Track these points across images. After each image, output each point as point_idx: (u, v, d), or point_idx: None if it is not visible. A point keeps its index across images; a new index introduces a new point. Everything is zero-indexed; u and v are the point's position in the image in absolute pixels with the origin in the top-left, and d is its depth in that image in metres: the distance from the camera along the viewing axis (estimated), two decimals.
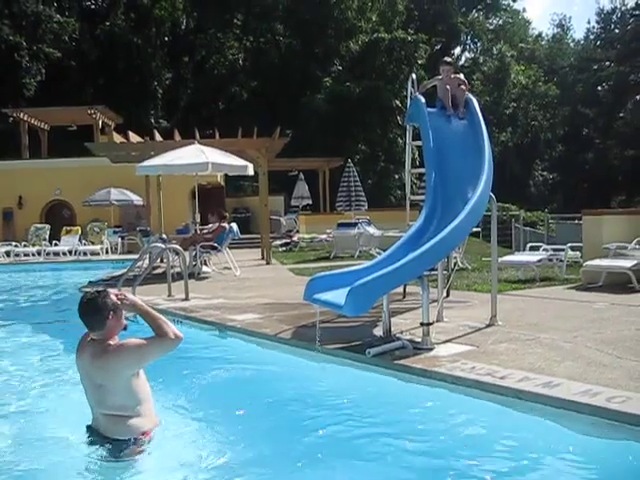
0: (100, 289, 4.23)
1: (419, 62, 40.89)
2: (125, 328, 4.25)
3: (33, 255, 22.01)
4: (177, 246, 11.82)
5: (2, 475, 4.13)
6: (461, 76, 8.47)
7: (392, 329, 6.79)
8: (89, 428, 4.23)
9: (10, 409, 5.52)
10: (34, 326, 9.60)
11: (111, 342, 4.12)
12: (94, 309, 4.08)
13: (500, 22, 61.56)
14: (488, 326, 7.27)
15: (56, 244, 22.92)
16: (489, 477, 3.94)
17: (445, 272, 8.05)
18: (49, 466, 4.22)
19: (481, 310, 8.10)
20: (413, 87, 8.59)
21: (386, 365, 5.83)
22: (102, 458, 4.07)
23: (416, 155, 14.87)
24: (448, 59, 9.19)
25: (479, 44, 59.39)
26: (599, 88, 56.18)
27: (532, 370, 5.26)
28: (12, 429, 4.98)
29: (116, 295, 4.20)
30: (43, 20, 37.70)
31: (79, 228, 24.38)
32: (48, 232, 24.08)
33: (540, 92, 52.50)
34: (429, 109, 8.14)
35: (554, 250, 12.54)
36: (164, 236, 15.95)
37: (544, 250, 12.69)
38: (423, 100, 8.17)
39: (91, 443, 4.18)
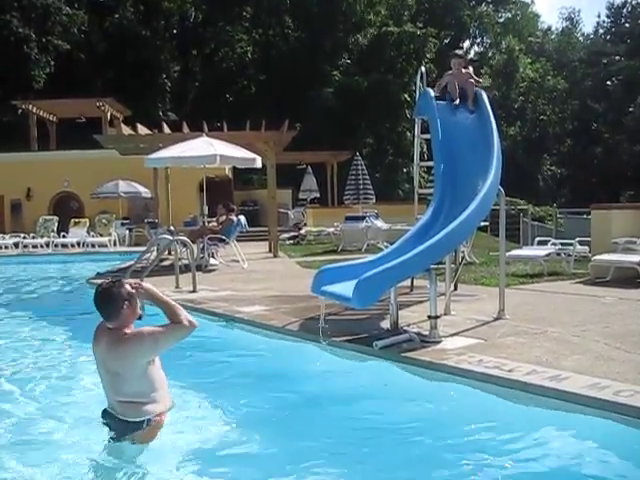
0: (115, 279, 4.27)
1: (428, 56, 40.70)
2: (140, 318, 4.30)
3: (41, 247, 22.11)
4: (185, 238, 11.84)
5: (16, 457, 4.20)
6: (471, 70, 8.43)
7: (399, 322, 6.80)
8: (104, 412, 4.27)
9: (20, 396, 5.58)
10: (42, 317, 9.65)
11: (127, 331, 4.15)
12: (109, 299, 4.13)
13: (509, 15, 61.23)
14: (496, 319, 7.27)
15: (64, 236, 23.01)
16: (496, 469, 3.95)
17: (453, 266, 8.04)
18: (64, 448, 4.29)
19: (489, 304, 8.10)
20: (422, 81, 8.57)
21: (393, 357, 5.84)
22: (117, 439, 4.14)
23: (424, 149, 14.83)
24: (459, 52, 9.16)
25: (487, 38, 59.07)
26: (609, 82, 55.76)
27: (540, 363, 5.26)
28: (25, 414, 5.05)
29: (131, 284, 4.24)
30: (52, 12, 37.73)
31: (87, 220, 24.47)
32: (56, 224, 24.17)
33: (549, 86, 52.20)
34: (438, 102, 8.12)
35: (562, 244, 12.51)
36: (172, 228, 15.98)
37: (552, 244, 12.66)
38: (432, 93, 8.15)
39: (106, 425, 4.24)
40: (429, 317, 6.27)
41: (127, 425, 4.11)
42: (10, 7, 36.30)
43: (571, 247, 12.06)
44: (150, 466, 4.01)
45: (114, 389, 4.18)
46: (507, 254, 10.13)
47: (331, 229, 22.61)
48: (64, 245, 22.30)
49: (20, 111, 31.41)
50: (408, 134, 37.69)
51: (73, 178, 27.81)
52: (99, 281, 4.75)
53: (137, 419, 4.11)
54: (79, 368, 6.23)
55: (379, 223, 19.89)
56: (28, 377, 6.23)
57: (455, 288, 8.77)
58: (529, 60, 53.66)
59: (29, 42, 36.36)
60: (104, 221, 24.56)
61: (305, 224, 26.83)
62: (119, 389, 4.15)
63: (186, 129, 19.96)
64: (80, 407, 5.05)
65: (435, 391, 5.24)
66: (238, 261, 14.76)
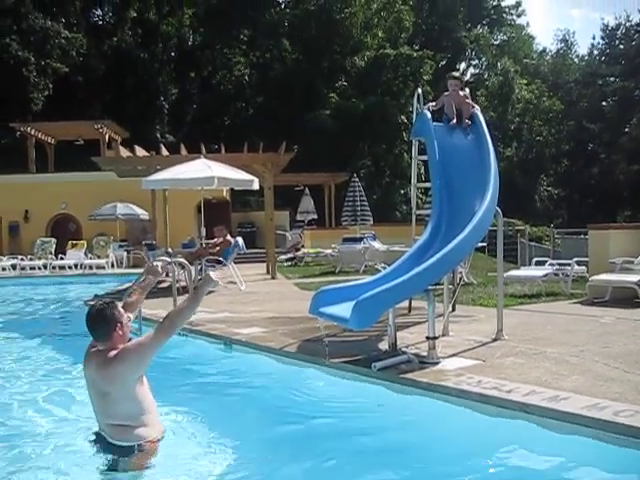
0: (108, 300, 4.26)
1: (425, 78, 40.99)
2: (130, 341, 4.27)
3: (39, 268, 22.03)
4: (183, 260, 11.81)
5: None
6: (467, 92, 8.48)
7: (398, 343, 6.77)
8: (96, 435, 4.24)
9: (16, 419, 5.54)
10: (40, 339, 9.61)
11: (114, 351, 4.14)
12: (102, 320, 4.12)
13: (505, 37, 61.77)
14: (494, 340, 7.24)
15: (62, 258, 22.94)
16: None
17: (451, 286, 8.03)
18: (55, 473, 4.23)
19: (487, 324, 8.08)
20: (419, 102, 8.61)
21: (392, 379, 5.81)
22: (108, 465, 4.09)
23: (422, 170, 14.91)
24: (456, 74, 9.23)
25: (484, 59, 59.54)
26: (604, 103, 56.20)
27: (539, 384, 5.24)
28: (18, 438, 5.00)
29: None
30: (51, 36, 37.95)
31: (85, 242, 24.41)
32: (54, 246, 24.08)
33: (545, 107, 52.57)
34: (435, 124, 8.16)
35: (560, 265, 12.50)
36: (170, 250, 15.94)
37: (550, 265, 12.66)
38: (429, 115, 8.19)
39: (97, 450, 4.20)
40: (427, 338, 6.25)
41: (118, 450, 4.07)
42: (9, 30, 36.57)
43: (569, 267, 12.06)
44: None
45: (104, 411, 4.15)
46: (505, 275, 10.13)
47: (329, 250, 22.57)
48: (62, 267, 22.21)
49: (18, 133, 31.49)
50: (405, 155, 37.89)
51: (71, 200, 27.81)
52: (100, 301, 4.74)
53: (127, 443, 4.07)
54: (74, 390, 6.19)
55: (377, 244, 19.89)
56: (21, 399, 6.18)
57: (453, 309, 8.75)
58: (525, 81, 54.10)
59: (28, 65, 36.53)
60: (102, 243, 24.47)
61: (303, 246, 26.83)
62: (109, 411, 4.12)
63: (184, 151, 20.03)
64: (70, 428, 5.00)
65: (433, 412, 5.22)
66: (236, 283, 14.73)
